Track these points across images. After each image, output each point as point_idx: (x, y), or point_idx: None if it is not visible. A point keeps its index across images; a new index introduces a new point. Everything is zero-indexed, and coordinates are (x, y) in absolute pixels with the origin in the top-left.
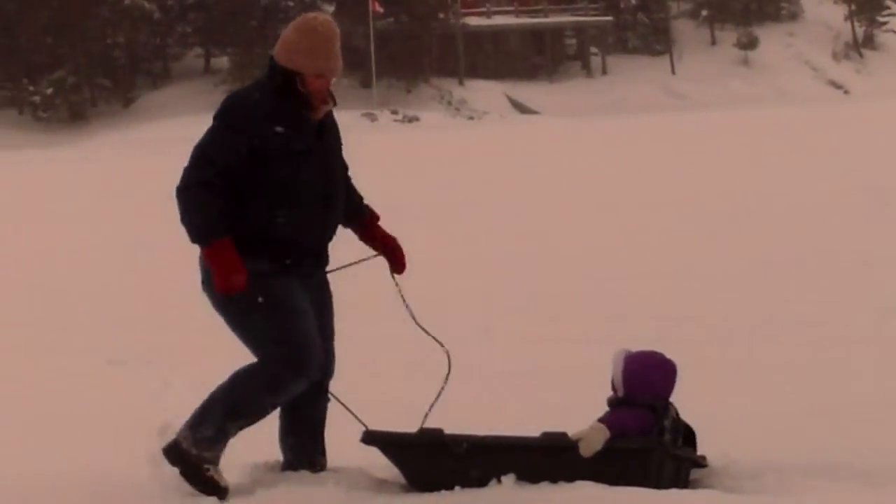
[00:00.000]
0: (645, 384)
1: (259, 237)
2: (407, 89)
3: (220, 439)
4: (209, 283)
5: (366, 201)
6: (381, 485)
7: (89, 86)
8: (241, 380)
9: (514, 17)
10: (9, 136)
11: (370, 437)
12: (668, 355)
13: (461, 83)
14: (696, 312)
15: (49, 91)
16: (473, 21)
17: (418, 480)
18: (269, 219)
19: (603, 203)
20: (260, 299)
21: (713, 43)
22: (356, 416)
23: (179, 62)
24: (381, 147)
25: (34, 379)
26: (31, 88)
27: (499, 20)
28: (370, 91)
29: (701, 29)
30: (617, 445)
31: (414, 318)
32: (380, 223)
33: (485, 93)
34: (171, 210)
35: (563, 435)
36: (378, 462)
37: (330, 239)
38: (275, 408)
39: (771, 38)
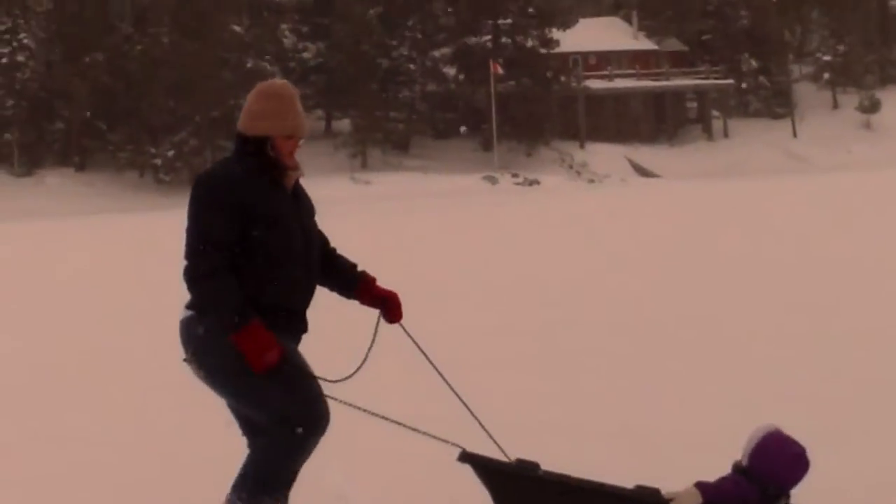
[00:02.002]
0: (768, 466)
1: (254, 302)
2: (527, 152)
3: None
4: (199, 356)
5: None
6: None
7: (210, 148)
8: (264, 453)
9: (635, 81)
10: (129, 199)
11: (467, 457)
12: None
13: (582, 146)
14: (818, 374)
15: (170, 153)
16: (595, 84)
17: None
18: (261, 285)
19: (720, 265)
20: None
21: (835, 106)
22: (449, 441)
23: None
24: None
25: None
26: (153, 151)
27: (620, 83)
28: (491, 154)
29: (822, 92)
30: None
31: (423, 354)
32: (377, 283)
33: (605, 156)
34: None
35: (657, 491)
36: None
37: (309, 302)
38: (296, 474)
39: (893, 101)
